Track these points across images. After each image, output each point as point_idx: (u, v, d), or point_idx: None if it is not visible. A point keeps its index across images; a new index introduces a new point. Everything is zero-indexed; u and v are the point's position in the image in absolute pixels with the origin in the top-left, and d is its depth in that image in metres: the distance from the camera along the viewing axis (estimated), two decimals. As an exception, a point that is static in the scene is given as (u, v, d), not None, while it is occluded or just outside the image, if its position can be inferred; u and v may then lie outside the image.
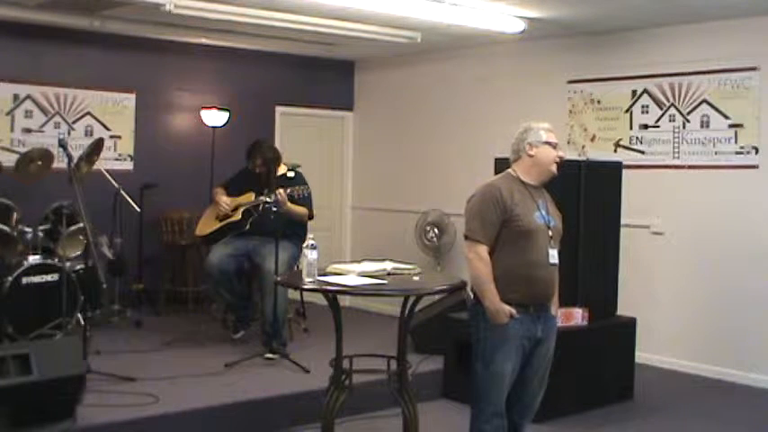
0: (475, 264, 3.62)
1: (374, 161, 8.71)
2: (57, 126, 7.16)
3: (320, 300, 4.72)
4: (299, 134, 8.45)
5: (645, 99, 6.62)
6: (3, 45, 6.84)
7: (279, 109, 8.45)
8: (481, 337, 3.67)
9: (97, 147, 6.16)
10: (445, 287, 4.30)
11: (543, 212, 3.70)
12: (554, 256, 3.68)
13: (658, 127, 6.55)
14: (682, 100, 6.41)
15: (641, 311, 5.94)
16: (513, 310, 3.59)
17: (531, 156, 3.72)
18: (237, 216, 6.13)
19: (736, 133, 6.12)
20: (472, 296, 3.75)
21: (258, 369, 5.47)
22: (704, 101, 6.29)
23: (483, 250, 3.61)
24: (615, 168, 5.75)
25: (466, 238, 3.69)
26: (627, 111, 6.73)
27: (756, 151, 6.02)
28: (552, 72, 7.13)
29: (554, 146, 3.73)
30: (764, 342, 5.93)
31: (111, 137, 7.41)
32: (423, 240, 7.61)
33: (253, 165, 6.18)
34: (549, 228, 3.68)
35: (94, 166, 6.30)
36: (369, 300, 7.64)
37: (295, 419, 4.83)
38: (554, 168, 3.74)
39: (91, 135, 7.20)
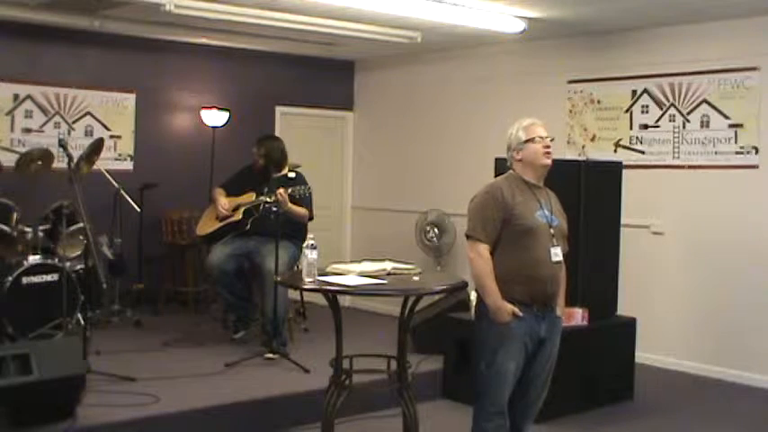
0: (476, 262, 3.63)
1: (374, 161, 8.71)
2: (57, 126, 7.16)
3: (320, 300, 4.71)
4: (299, 134, 8.43)
5: (645, 99, 6.62)
6: (3, 45, 6.84)
7: (279, 109, 8.45)
8: (484, 336, 3.68)
9: (97, 147, 6.17)
10: (445, 287, 4.30)
11: (546, 211, 3.70)
12: (557, 254, 3.67)
13: (658, 127, 6.55)
14: (682, 100, 6.41)
15: (641, 311, 5.93)
16: (516, 309, 3.59)
17: (519, 160, 3.73)
18: (238, 216, 6.13)
19: (736, 133, 6.12)
20: (476, 295, 3.75)
21: (258, 369, 5.46)
22: (704, 101, 6.29)
23: (484, 249, 3.62)
24: (615, 168, 5.75)
25: (467, 237, 3.69)
26: (627, 111, 6.73)
27: (756, 151, 6.02)
28: (552, 72, 7.13)
29: (535, 139, 3.69)
30: (764, 342, 5.93)
31: (111, 137, 7.42)
32: (423, 240, 7.61)
33: (257, 153, 6.19)
34: (551, 226, 3.68)
35: (94, 166, 6.32)
36: (369, 300, 7.64)
37: (295, 419, 4.83)
38: (545, 161, 3.70)
39: (91, 135, 7.21)
